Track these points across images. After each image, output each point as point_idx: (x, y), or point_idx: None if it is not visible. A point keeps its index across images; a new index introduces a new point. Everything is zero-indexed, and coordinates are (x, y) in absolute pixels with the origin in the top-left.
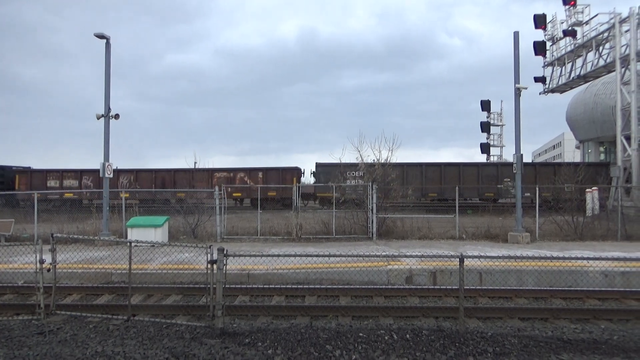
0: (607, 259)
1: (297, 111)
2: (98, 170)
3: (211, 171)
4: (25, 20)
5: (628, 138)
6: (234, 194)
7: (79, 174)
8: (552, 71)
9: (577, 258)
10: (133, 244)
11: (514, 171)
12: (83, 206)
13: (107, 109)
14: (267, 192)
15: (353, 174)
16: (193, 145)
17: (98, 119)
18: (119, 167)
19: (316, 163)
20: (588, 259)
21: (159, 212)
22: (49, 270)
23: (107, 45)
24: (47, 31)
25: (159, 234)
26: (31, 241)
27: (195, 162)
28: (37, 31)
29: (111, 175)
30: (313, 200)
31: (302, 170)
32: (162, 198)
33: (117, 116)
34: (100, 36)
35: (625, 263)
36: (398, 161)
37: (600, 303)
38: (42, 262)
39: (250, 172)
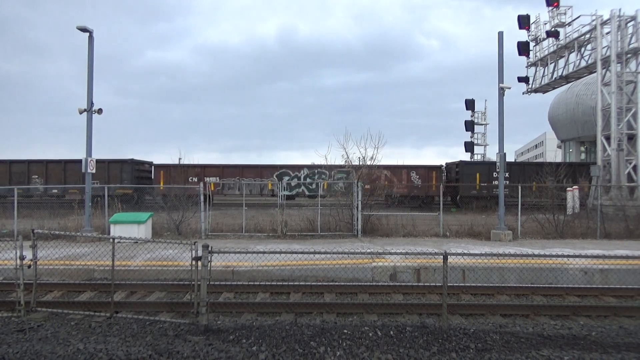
0: (586, 256)
1: (279, 109)
2: None
3: None
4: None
5: (608, 138)
6: None
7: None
8: (535, 71)
9: (557, 256)
10: (116, 241)
11: (497, 169)
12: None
13: (90, 103)
14: None
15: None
16: (175, 141)
17: (80, 113)
18: None
19: None
20: (568, 256)
21: (143, 208)
22: (29, 266)
23: (90, 38)
24: (24, 25)
25: (142, 231)
26: (11, 237)
27: (179, 159)
28: (12, 24)
29: (94, 171)
30: None
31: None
32: None
33: (100, 111)
34: (83, 29)
35: (604, 261)
36: None
37: (580, 300)
38: (22, 258)
39: None
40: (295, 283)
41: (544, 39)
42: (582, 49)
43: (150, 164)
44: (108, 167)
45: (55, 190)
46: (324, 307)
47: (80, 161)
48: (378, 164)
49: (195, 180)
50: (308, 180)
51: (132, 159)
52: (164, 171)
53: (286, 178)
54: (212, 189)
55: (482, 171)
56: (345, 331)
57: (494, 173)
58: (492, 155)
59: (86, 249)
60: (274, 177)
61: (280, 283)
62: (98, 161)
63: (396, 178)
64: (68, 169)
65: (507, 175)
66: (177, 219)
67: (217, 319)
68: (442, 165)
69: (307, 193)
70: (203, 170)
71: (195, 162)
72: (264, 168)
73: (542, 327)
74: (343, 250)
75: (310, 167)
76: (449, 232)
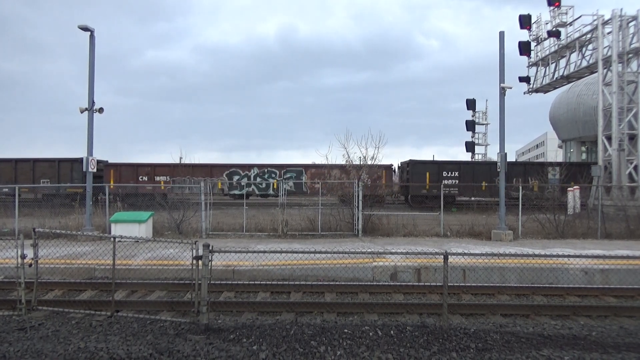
0: (587, 256)
1: (279, 108)
2: None
3: None
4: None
5: (609, 138)
6: None
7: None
8: (537, 71)
9: (558, 256)
10: (117, 240)
11: (498, 169)
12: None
13: (91, 102)
14: None
15: None
16: (176, 140)
17: (82, 112)
18: None
19: None
20: (569, 256)
21: (144, 207)
22: (30, 265)
23: (91, 37)
24: (24, 25)
25: (143, 230)
26: (12, 236)
27: (180, 158)
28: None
29: (95, 170)
30: None
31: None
32: None
33: (101, 110)
34: (85, 28)
35: (604, 261)
36: None
37: (580, 300)
38: (23, 257)
39: None
40: (296, 282)
41: (545, 39)
42: (584, 49)
43: (106, 162)
44: (58, 166)
45: (6, 189)
46: (325, 306)
47: (29, 160)
48: (329, 163)
49: (146, 179)
50: (258, 179)
51: (82, 158)
52: (114, 170)
53: (236, 177)
54: (163, 187)
55: (432, 170)
56: (346, 330)
57: (444, 172)
58: (493, 154)
59: (87, 248)
60: (224, 176)
61: (281, 282)
62: (48, 160)
63: (346, 177)
64: (18, 167)
65: (456, 174)
66: (178, 218)
67: (217, 318)
68: (392, 165)
69: (257, 192)
70: (153, 169)
71: (145, 162)
72: (213, 167)
73: (543, 327)
74: (344, 250)
75: (260, 166)
76: (449, 232)
